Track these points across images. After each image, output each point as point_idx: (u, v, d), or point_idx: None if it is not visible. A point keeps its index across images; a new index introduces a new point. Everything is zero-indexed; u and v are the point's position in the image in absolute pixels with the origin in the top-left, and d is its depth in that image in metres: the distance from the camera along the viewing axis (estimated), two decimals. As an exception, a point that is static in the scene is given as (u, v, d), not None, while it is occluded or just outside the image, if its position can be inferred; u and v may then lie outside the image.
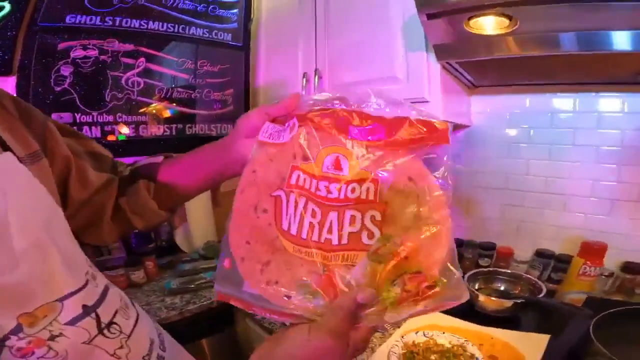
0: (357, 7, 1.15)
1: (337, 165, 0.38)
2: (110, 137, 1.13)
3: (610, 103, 0.99)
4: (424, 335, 0.82)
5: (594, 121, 1.02)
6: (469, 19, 0.81)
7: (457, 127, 1.24)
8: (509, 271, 1.05)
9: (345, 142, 0.39)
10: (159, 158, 0.57)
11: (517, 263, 1.11)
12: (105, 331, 0.34)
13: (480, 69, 1.04)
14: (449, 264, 0.36)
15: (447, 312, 0.89)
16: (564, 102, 1.06)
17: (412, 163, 0.37)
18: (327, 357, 0.35)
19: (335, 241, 0.37)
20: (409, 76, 1.04)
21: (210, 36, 1.41)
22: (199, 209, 1.42)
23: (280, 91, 1.45)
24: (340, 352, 0.35)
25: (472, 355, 0.75)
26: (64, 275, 0.32)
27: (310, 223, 0.37)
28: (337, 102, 0.41)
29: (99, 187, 0.52)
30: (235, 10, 1.48)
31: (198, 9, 1.37)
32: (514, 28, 0.79)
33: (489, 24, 0.81)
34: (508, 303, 0.90)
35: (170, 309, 1.06)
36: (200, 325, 1.12)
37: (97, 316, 0.34)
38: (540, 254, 1.07)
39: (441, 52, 0.95)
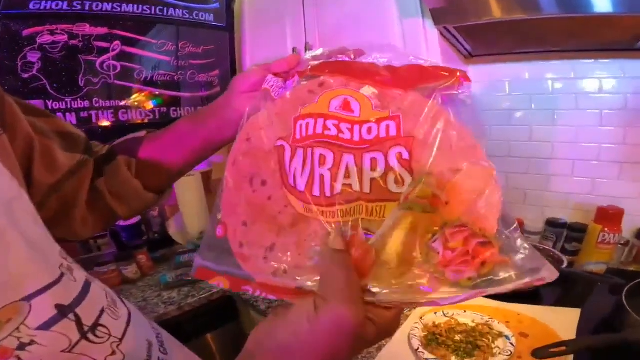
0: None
1: (347, 107, 0.31)
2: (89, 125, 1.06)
3: (609, 68, 0.97)
4: (444, 314, 0.77)
5: (595, 86, 0.99)
6: None
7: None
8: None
9: (352, 84, 0.32)
10: (142, 133, 0.49)
11: (528, 234, 1.08)
12: (90, 335, 0.27)
13: (478, 35, 0.99)
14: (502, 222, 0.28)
15: None
16: (562, 69, 1.03)
17: (434, 102, 0.30)
18: (343, 334, 0.26)
19: (355, 188, 0.29)
20: (405, 43, 0.99)
21: (191, 17, 1.35)
22: (191, 198, 1.36)
23: (269, 70, 1.39)
24: (361, 327, 0.26)
25: (501, 334, 0.70)
26: (29, 268, 0.26)
27: (321, 175, 0.30)
28: (340, 55, 0.36)
29: (69, 170, 0.44)
30: None
31: None
32: None
33: None
34: None
35: (169, 304, 1.02)
36: (202, 320, 1.08)
37: (77, 317, 0.27)
38: (551, 223, 1.04)
39: (439, 16, 0.90)
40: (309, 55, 0.38)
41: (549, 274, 0.28)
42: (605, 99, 0.98)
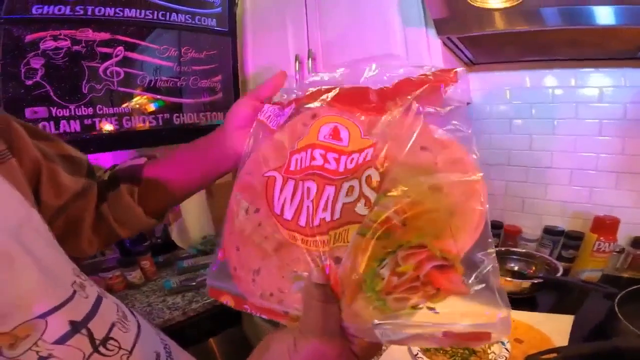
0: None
1: (336, 135, 0.32)
2: (93, 132, 1.05)
3: (610, 78, 0.98)
4: None
5: (595, 95, 1.01)
6: None
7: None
8: (522, 250, 1.02)
9: (345, 114, 0.33)
10: (142, 160, 0.52)
11: (526, 241, 1.09)
12: (102, 348, 0.30)
13: (482, 45, 1.00)
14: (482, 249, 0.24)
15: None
16: (563, 78, 1.04)
17: (410, 118, 0.29)
18: None
19: (328, 218, 0.29)
20: (408, 52, 1.00)
21: (193, 22, 1.33)
22: (193, 203, 1.36)
23: (270, 75, 1.38)
24: (339, 358, 0.28)
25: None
26: (42, 288, 0.28)
27: (307, 206, 0.31)
28: (339, 77, 0.36)
29: (75, 193, 0.46)
30: None
31: None
32: (520, 0, 0.76)
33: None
34: (526, 284, 0.86)
35: (173, 309, 1.02)
36: (206, 325, 1.08)
37: (90, 332, 0.29)
38: (549, 231, 1.05)
39: (442, 27, 0.91)
40: (307, 80, 0.39)
41: (498, 332, 0.23)
42: (604, 109, 0.99)
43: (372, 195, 0.27)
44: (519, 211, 1.15)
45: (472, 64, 1.18)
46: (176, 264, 1.23)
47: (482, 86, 1.18)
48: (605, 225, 0.92)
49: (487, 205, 0.25)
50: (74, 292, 0.30)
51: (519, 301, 0.86)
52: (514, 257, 1.02)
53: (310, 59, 1.20)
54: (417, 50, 0.97)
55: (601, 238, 0.91)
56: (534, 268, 0.98)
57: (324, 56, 1.19)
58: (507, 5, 0.78)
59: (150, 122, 1.18)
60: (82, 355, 0.29)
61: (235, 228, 0.35)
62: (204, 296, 1.08)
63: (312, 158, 0.31)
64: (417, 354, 0.70)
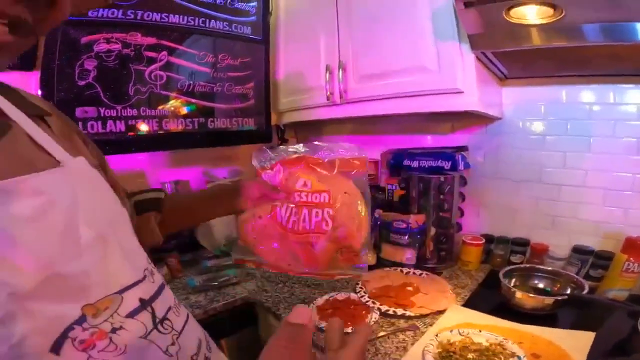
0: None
1: (304, 184, 0.64)
2: (135, 132, 1.11)
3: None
4: (460, 333, 0.78)
5: (634, 113, 0.98)
6: (509, 8, 0.77)
7: (486, 119, 1.21)
8: (549, 268, 1.00)
9: (309, 173, 0.65)
10: (161, 194, 0.68)
11: (553, 259, 1.07)
12: (160, 326, 0.36)
13: (516, 59, 1.00)
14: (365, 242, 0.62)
15: (482, 309, 0.87)
16: (601, 94, 1.02)
17: (347, 182, 0.64)
18: None
19: (307, 227, 0.62)
20: (440, 66, 1.00)
21: (230, 29, 1.39)
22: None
23: (301, 84, 1.42)
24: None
25: (513, 354, 0.71)
26: (123, 269, 0.35)
27: (294, 220, 0.63)
28: (304, 151, 0.68)
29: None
30: (253, 4, 1.46)
31: (217, 1, 1.35)
32: (560, 17, 0.75)
33: (530, 14, 0.78)
34: (549, 300, 0.86)
35: (195, 307, 1.05)
36: (221, 324, 1.10)
37: (153, 311, 0.36)
38: (578, 250, 1.03)
39: (477, 41, 0.91)
40: (291, 148, 0.68)
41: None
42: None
43: (329, 220, 0.62)
44: (547, 229, 1.12)
45: (505, 78, 1.18)
46: (201, 263, 1.26)
47: (515, 101, 1.17)
48: (637, 246, 0.90)
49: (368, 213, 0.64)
50: (145, 276, 0.37)
51: (540, 317, 0.85)
52: (539, 274, 1.00)
53: (340, 69, 1.23)
54: (449, 63, 0.98)
55: (631, 258, 0.89)
56: (558, 285, 0.96)
57: (354, 67, 1.21)
58: (546, 21, 0.78)
59: (186, 125, 1.23)
60: (145, 330, 0.34)
61: (256, 226, 0.66)
62: (225, 296, 1.11)
63: (294, 197, 0.64)
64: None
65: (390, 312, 0.90)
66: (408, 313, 0.89)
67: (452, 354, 0.73)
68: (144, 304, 0.35)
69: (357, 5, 1.19)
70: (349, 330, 0.81)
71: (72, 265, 0.30)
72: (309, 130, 1.78)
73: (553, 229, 1.12)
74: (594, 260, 1.00)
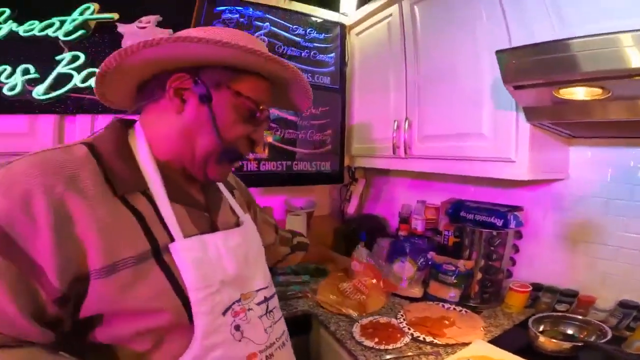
0: (448, 60, 1.22)
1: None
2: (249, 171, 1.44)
3: None
4: None
5: None
6: (559, 88, 0.81)
7: (545, 181, 1.22)
8: (580, 317, 1.01)
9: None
10: (307, 239, 1.17)
11: (597, 311, 1.05)
12: (268, 314, 0.64)
13: (577, 126, 1.01)
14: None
15: (506, 347, 0.92)
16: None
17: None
18: None
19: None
20: (496, 135, 1.07)
21: (313, 80, 1.61)
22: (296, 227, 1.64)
23: (371, 133, 1.59)
24: None
25: None
26: (259, 279, 0.67)
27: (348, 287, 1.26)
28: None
29: (280, 260, 1.09)
30: (332, 55, 1.66)
31: (302, 54, 1.59)
32: (608, 96, 0.78)
33: (580, 93, 0.81)
34: (567, 345, 0.88)
35: (268, 313, 1.28)
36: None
37: (267, 305, 0.65)
38: (623, 304, 1.01)
39: (531, 114, 0.97)
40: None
41: None
42: None
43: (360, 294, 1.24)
44: (600, 284, 1.09)
45: (571, 137, 1.16)
46: (275, 278, 1.51)
47: (582, 161, 1.16)
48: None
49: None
50: (268, 285, 0.69)
51: (559, 359, 0.89)
52: (572, 322, 1.00)
53: (406, 123, 1.37)
54: (504, 132, 1.04)
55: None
56: (585, 333, 0.96)
57: (419, 126, 1.34)
58: (595, 98, 0.80)
59: (277, 167, 1.52)
60: (262, 313, 0.63)
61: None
62: (289, 307, 1.30)
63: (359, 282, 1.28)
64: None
65: (420, 339, 1.00)
66: (436, 341, 0.98)
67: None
68: (265, 300, 0.65)
69: (424, 59, 1.31)
70: (382, 347, 0.97)
71: (243, 273, 0.62)
72: (377, 172, 1.88)
73: (605, 284, 1.08)
74: (636, 314, 0.97)
